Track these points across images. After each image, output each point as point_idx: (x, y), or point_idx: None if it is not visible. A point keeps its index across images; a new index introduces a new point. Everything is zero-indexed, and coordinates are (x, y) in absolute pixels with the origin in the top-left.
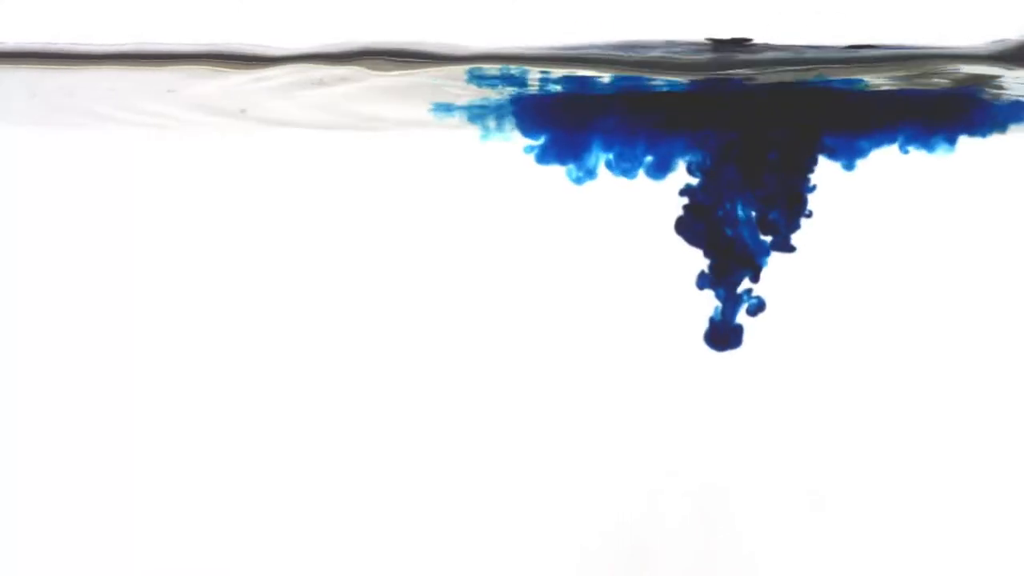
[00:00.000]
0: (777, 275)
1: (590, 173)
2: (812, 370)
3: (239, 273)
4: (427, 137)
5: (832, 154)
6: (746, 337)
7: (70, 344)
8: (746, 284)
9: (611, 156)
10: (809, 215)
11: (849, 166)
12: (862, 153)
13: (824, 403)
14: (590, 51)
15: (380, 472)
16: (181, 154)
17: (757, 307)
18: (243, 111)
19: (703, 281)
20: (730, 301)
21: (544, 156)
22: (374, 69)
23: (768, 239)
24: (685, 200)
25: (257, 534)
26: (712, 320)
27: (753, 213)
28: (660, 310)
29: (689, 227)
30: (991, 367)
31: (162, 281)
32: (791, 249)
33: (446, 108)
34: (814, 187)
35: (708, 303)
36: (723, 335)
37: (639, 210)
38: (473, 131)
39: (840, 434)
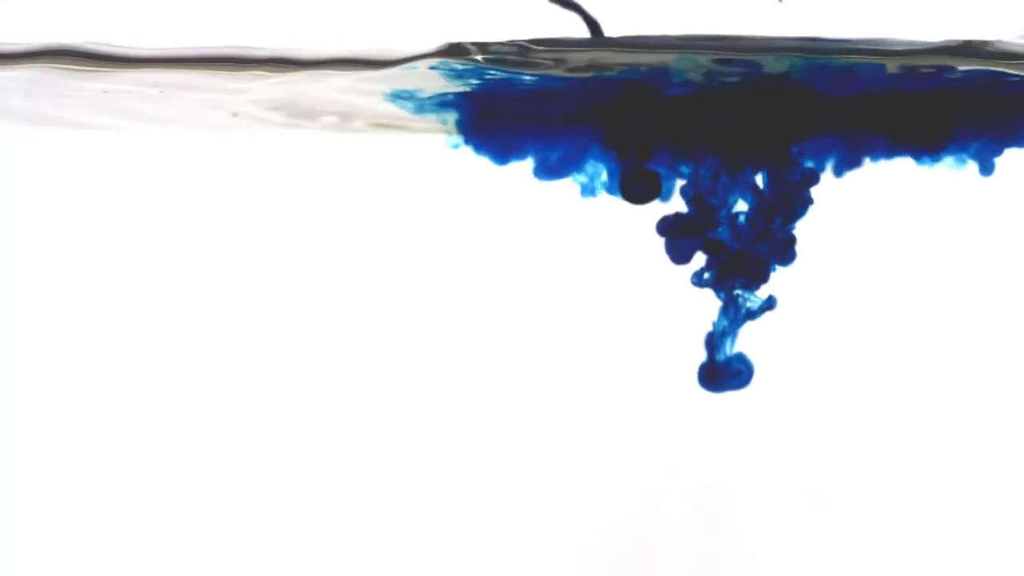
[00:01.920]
0: (776, 277)
1: (590, 189)
2: (812, 371)
3: (234, 272)
4: (403, 141)
5: (827, 158)
6: (746, 338)
7: (67, 341)
8: (746, 288)
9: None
10: (811, 202)
11: (844, 167)
12: (860, 161)
13: (824, 404)
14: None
15: (380, 473)
16: (173, 155)
17: (764, 307)
18: (235, 115)
19: (698, 278)
20: (731, 304)
21: (540, 171)
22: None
23: (769, 245)
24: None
25: (254, 534)
26: (704, 354)
27: (749, 217)
28: (661, 311)
29: (671, 229)
30: (989, 367)
31: (152, 278)
32: (792, 256)
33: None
34: (816, 178)
35: (709, 302)
36: (715, 370)
37: (641, 208)
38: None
39: (840, 434)
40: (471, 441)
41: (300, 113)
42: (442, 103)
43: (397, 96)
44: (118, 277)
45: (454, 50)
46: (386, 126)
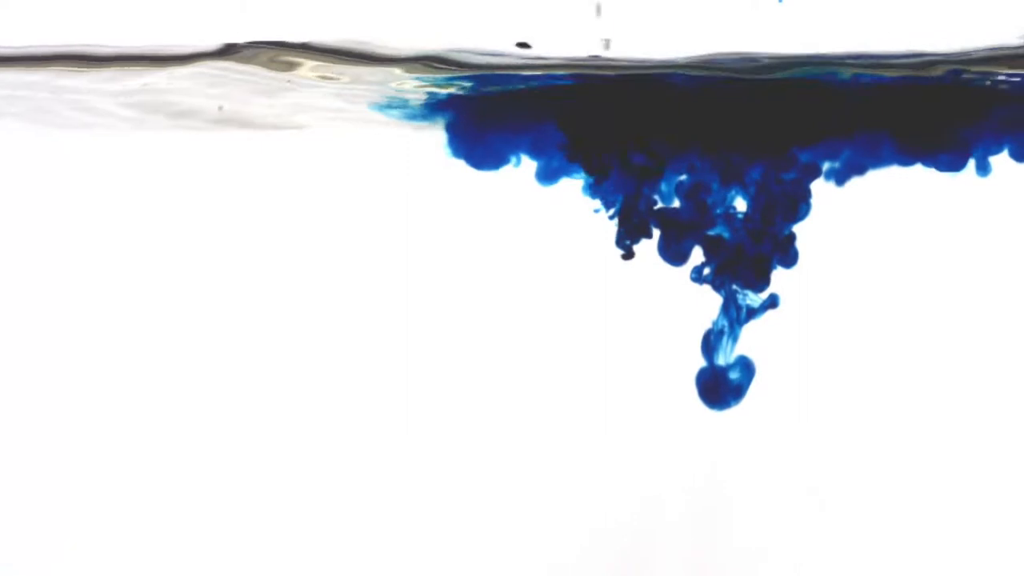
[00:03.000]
0: (777, 275)
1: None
2: (813, 370)
3: (211, 272)
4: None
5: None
6: (746, 338)
7: (40, 344)
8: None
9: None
10: (810, 195)
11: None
12: (860, 168)
13: (825, 403)
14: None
15: (372, 474)
16: (130, 153)
17: (766, 305)
18: (221, 107)
19: (697, 274)
20: (731, 303)
21: (545, 175)
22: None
23: (769, 243)
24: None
25: (240, 535)
26: (703, 368)
27: (747, 215)
28: (660, 308)
29: (666, 225)
30: (990, 368)
31: (114, 279)
32: (794, 255)
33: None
34: (817, 171)
35: (708, 300)
36: (715, 378)
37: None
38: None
39: (840, 434)
40: (468, 441)
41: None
42: (432, 109)
43: (385, 106)
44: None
45: (228, 50)
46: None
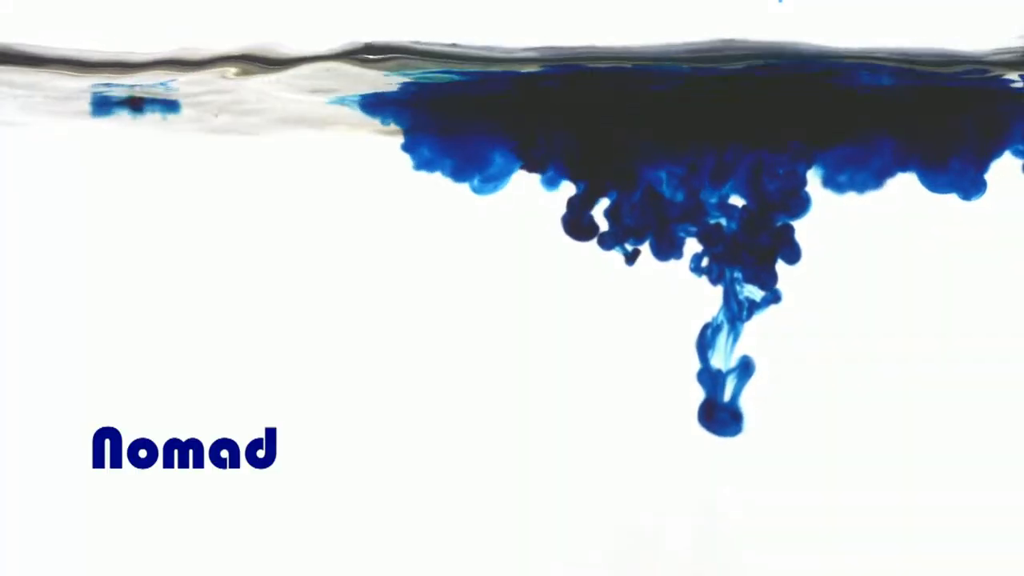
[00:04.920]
0: (779, 276)
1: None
2: (814, 373)
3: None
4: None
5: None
6: (747, 339)
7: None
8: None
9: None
10: (805, 182)
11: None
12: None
13: (825, 406)
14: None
15: (374, 474)
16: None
17: (768, 301)
18: (216, 116)
19: (696, 263)
20: (731, 298)
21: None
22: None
23: (767, 236)
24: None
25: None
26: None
27: (744, 208)
28: (660, 312)
29: (660, 219)
30: (991, 371)
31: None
32: (795, 250)
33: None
34: (812, 158)
35: (710, 301)
36: (716, 408)
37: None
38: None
39: (841, 436)
40: (470, 445)
41: None
42: (380, 105)
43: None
44: None
45: None
46: None
